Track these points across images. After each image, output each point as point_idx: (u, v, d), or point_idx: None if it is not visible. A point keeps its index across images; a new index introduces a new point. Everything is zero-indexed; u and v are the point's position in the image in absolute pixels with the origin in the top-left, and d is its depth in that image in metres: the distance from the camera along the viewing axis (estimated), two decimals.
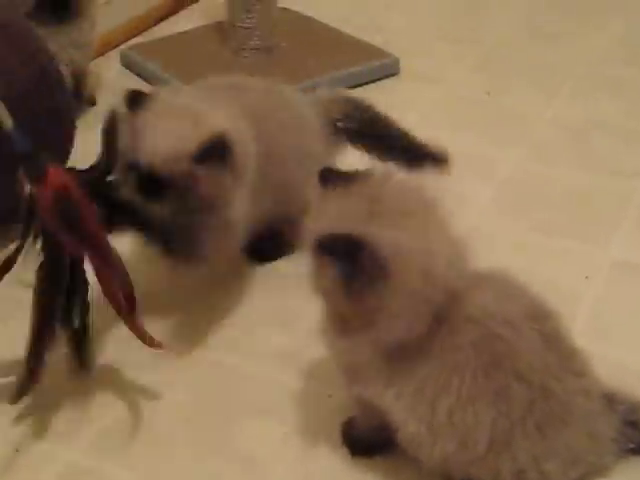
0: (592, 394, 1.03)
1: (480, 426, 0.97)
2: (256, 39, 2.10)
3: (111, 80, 2.07)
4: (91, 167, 1.18)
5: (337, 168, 1.06)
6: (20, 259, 1.14)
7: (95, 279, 1.16)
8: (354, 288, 0.96)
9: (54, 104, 1.53)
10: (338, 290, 0.97)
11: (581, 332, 1.06)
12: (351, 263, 0.95)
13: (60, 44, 1.76)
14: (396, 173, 1.04)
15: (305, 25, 2.27)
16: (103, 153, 1.17)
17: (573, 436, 1.00)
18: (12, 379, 1.16)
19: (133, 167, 1.19)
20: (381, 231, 0.96)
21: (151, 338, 1.17)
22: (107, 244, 1.14)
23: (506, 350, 0.97)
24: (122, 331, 1.31)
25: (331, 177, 1.03)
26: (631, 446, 1.07)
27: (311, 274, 1.00)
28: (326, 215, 1.01)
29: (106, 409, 1.22)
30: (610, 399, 1.07)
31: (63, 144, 1.56)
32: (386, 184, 1.02)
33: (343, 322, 1.00)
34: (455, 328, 0.97)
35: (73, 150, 1.58)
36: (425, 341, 0.97)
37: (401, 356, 0.98)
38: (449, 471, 1.03)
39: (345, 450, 1.13)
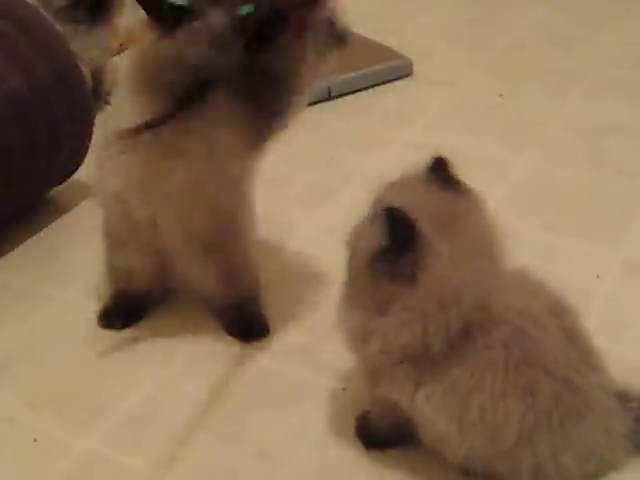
0: (608, 390, 1.04)
1: (510, 421, 0.97)
2: None
3: None
4: None
5: (449, 163, 1.02)
6: None
7: None
8: (380, 268, 0.96)
9: (72, 99, 1.55)
10: (366, 258, 0.98)
11: (592, 330, 1.07)
12: (395, 251, 0.95)
13: (84, 43, 1.77)
14: (486, 201, 1.02)
15: None
16: None
17: (590, 430, 1.01)
18: None
19: None
20: (444, 247, 0.95)
21: None
22: None
23: (534, 346, 0.98)
24: (141, 325, 1.34)
25: (440, 167, 1.02)
26: None
27: (356, 226, 1.01)
28: (408, 194, 1.00)
29: (122, 400, 1.23)
30: (622, 396, 1.07)
31: (81, 139, 1.58)
32: (475, 212, 1.01)
33: (360, 295, 1.01)
34: (486, 329, 0.98)
35: None
36: (455, 346, 0.97)
37: (431, 360, 0.98)
38: (471, 465, 1.03)
39: (359, 443, 1.14)
